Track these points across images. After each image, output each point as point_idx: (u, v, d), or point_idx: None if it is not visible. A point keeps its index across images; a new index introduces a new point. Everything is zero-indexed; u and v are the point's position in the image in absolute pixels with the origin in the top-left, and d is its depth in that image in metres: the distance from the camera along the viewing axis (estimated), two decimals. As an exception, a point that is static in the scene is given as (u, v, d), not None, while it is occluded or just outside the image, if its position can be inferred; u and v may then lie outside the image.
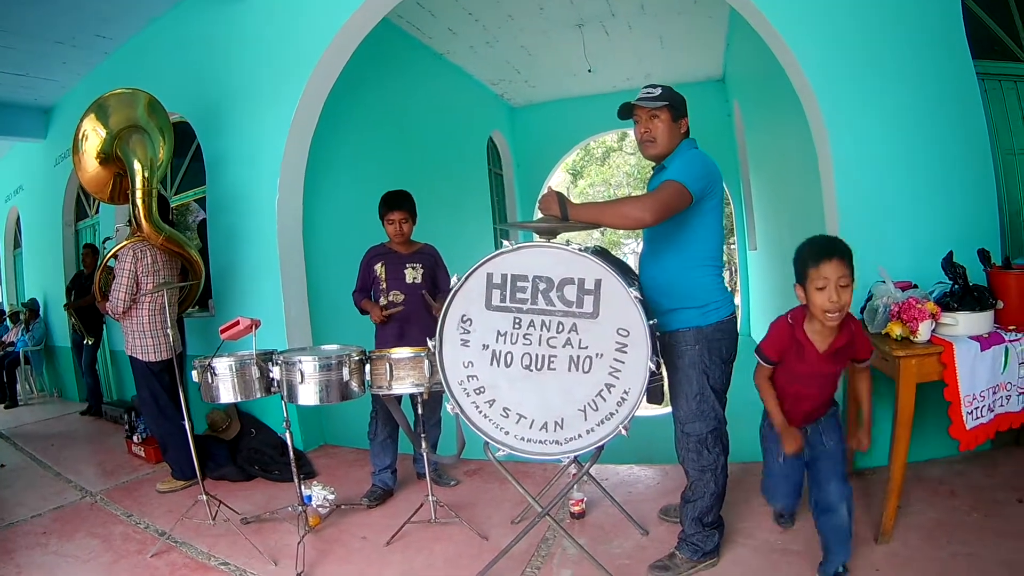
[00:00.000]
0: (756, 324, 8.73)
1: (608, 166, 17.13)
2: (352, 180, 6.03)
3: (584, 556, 2.88)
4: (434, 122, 8.08)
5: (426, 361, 3.02)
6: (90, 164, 4.55)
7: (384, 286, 3.69)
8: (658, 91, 2.72)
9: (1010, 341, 3.03)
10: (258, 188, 4.99)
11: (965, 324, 3.01)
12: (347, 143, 6.07)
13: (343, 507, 3.69)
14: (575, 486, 3.32)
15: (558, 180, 17.40)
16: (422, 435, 3.33)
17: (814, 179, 3.89)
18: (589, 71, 9.05)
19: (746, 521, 3.31)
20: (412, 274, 3.72)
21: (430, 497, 3.35)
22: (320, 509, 3.41)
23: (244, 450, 4.69)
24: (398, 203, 3.72)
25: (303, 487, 3.34)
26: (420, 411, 3.31)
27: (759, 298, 8.70)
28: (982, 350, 2.96)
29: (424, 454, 3.34)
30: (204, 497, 3.60)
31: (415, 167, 7.09)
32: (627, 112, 2.79)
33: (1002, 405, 3.11)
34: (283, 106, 4.81)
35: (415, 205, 3.80)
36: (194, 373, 3.34)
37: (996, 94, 4.32)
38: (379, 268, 3.71)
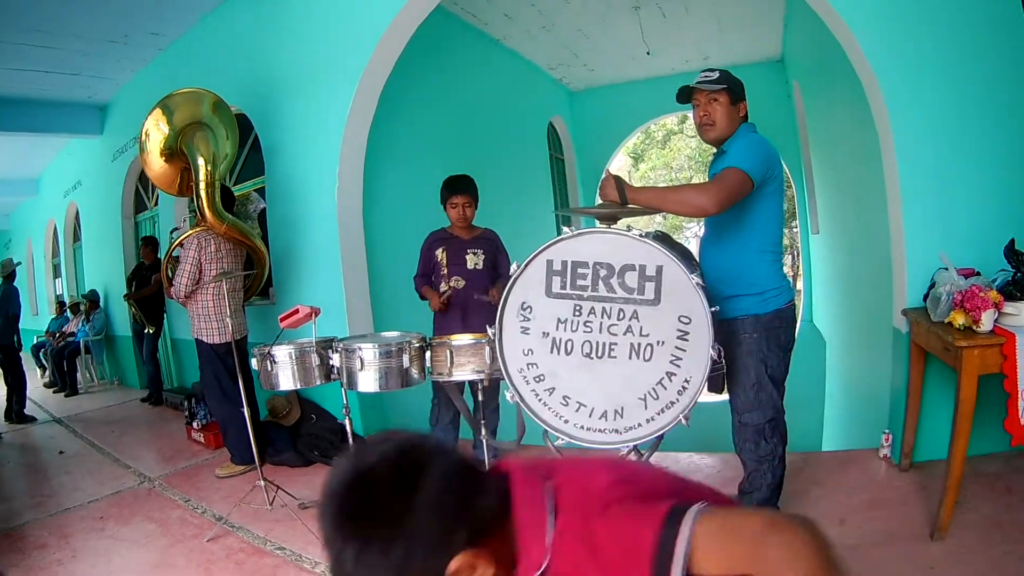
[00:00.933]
0: (818, 309, 8.59)
1: (669, 149, 16.97)
2: (411, 167, 6.05)
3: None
4: (492, 108, 8.07)
5: (487, 347, 3.02)
6: (155, 161, 4.68)
7: (445, 272, 3.72)
8: (716, 75, 2.73)
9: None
10: (317, 176, 5.04)
11: (1028, 314, 2.95)
12: (406, 130, 6.09)
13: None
14: None
15: (619, 164, 17.22)
16: (482, 421, 3.36)
17: (876, 161, 3.82)
18: (648, 54, 8.94)
19: (804, 513, 3.28)
20: (473, 260, 3.75)
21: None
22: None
23: (304, 436, 4.77)
24: (462, 187, 3.74)
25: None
26: (480, 398, 3.34)
27: (822, 283, 8.56)
28: (1045, 342, 2.91)
29: (484, 440, 3.36)
30: (262, 482, 3.68)
31: (475, 153, 7.08)
32: (686, 96, 2.80)
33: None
34: (340, 94, 4.84)
35: (477, 189, 3.82)
36: (253, 360, 3.41)
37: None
38: (440, 253, 3.74)
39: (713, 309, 2.48)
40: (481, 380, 3.13)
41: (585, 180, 11.44)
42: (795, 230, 12.58)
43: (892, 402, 3.89)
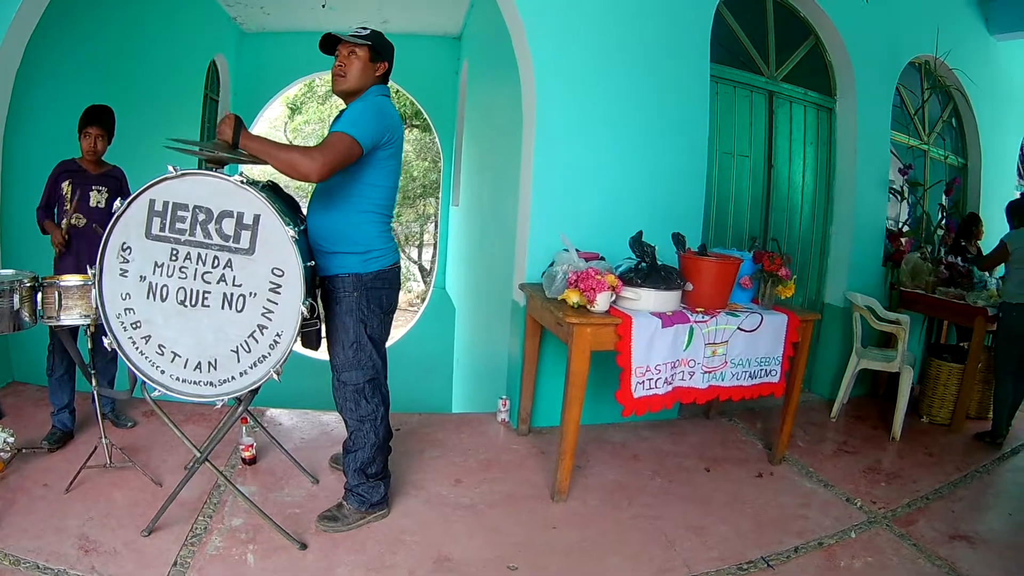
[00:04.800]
0: (451, 277, 8.79)
1: (328, 106, 16.82)
2: (65, 97, 5.44)
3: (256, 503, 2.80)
4: (152, 38, 7.28)
5: (95, 290, 2.79)
6: None
7: (68, 207, 3.41)
8: (367, 31, 2.68)
9: (696, 322, 3.24)
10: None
11: (648, 300, 3.16)
12: (66, 56, 5.45)
13: (24, 451, 3.39)
14: (243, 431, 3.23)
15: (276, 113, 16.97)
16: (92, 371, 3.11)
17: (518, 145, 4.01)
18: (323, 6, 8.68)
19: (417, 473, 3.35)
20: (97, 197, 3.46)
21: (104, 440, 3.13)
22: (2, 454, 3.13)
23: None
24: (95, 117, 3.46)
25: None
26: (91, 345, 3.08)
27: (456, 253, 8.83)
28: (663, 327, 3.14)
29: (96, 392, 3.11)
30: None
31: (126, 84, 6.39)
32: (329, 46, 2.72)
33: (683, 380, 3.33)
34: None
35: (114, 122, 3.54)
36: None
37: (727, 98, 4.65)
38: (66, 186, 3.42)
39: (308, 264, 2.43)
40: (89, 325, 2.89)
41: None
42: (438, 200, 13.01)
43: (509, 370, 4.12)
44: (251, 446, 3.31)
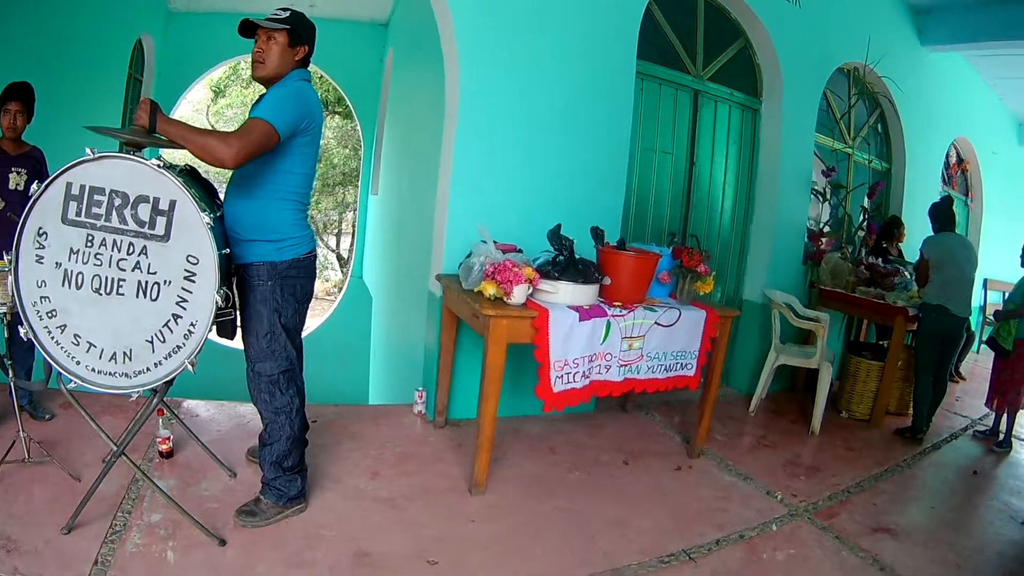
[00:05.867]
0: (368, 267, 8.73)
1: (252, 89, 16.51)
2: None
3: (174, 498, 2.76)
4: (77, 15, 7.04)
5: (10, 277, 2.75)
6: None
7: None
8: (286, 14, 2.66)
9: (613, 316, 3.30)
10: None
11: (566, 293, 3.21)
12: None
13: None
14: (160, 423, 3.20)
15: (200, 96, 16.62)
16: (9, 362, 3.06)
17: (439, 135, 4.02)
18: None
19: (334, 466, 3.34)
20: (16, 179, 3.40)
21: (21, 433, 3.07)
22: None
23: None
24: (15, 93, 3.39)
25: None
26: (8, 334, 3.04)
27: (374, 242, 8.76)
28: (581, 320, 3.19)
29: (12, 383, 3.05)
30: None
31: (48, 65, 6.23)
32: (248, 30, 2.70)
33: (600, 373, 3.39)
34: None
35: (34, 100, 3.47)
36: None
37: (652, 95, 4.75)
38: None
39: (224, 252, 2.43)
40: (4, 314, 2.85)
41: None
42: (358, 188, 12.73)
43: (426, 361, 4.14)
44: (168, 439, 3.26)
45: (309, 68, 2.82)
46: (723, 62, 5.26)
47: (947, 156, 8.62)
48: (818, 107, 5.79)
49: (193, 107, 16.55)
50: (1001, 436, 5.19)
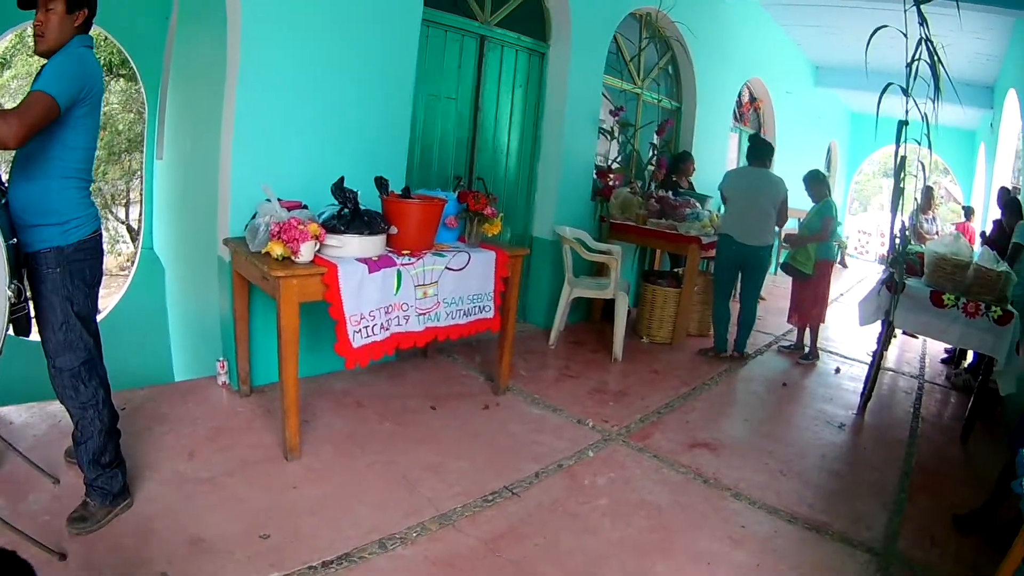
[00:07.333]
0: (158, 236, 8.45)
1: (38, 59, 15.34)
2: None
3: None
4: None
5: None
6: None
7: None
8: None
9: (402, 265, 3.34)
10: None
11: (353, 246, 3.20)
12: None
13: None
14: None
15: None
16: None
17: (221, 92, 3.85)
18: None
19: (150, 453, 3.15)
20: None
21: None
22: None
23: None
24: None
25: None
26: None
27: (162, 209, 8.47)
28: (370, 272, 3.20)
29: None
30: None
31: None
32: (28, 2, 2.47)
33: (399, 325, 3.43)
34: None
35: None
36: None
37: (438, 41, 4.77)
38: None
39: (12, 242, 2.24)
40: None
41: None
42: (143, 155, 12.51)
43: (223, 330, 4.04)
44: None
45: (91, 33, 2.60)
46: (511, 7, 5.30)
47: (740, 95, 9.27)
48: (607, 50, 6.02)
49: (-24, 81, 14.66)
50: (806, 349, 5.79)
